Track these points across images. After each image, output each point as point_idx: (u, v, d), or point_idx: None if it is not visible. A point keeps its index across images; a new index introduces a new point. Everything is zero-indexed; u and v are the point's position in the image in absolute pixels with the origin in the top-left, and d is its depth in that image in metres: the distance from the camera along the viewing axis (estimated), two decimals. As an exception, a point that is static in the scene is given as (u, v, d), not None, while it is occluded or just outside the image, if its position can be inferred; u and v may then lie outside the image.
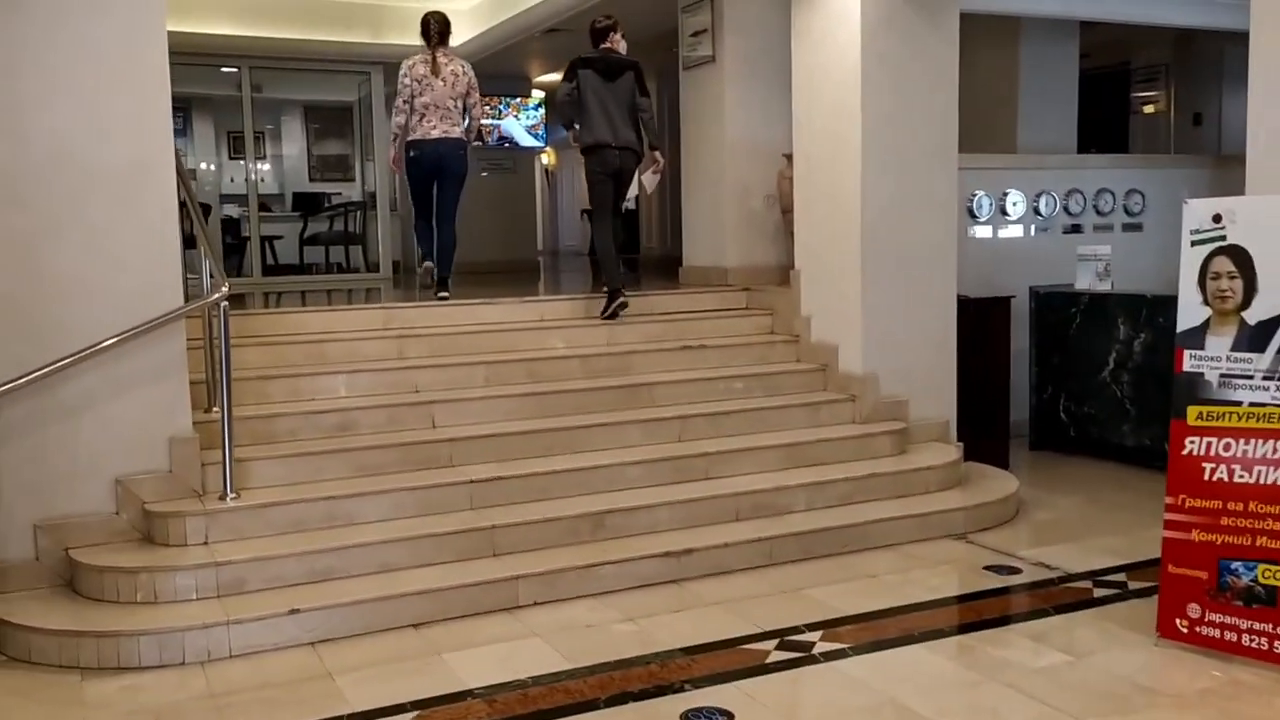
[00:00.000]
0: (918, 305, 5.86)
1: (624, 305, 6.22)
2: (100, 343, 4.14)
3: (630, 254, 15.32)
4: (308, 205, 11.47)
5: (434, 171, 6.60)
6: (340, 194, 12.09)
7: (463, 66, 6.56)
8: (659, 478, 5.03)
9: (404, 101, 6.49)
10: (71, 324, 4.17)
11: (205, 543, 4.21)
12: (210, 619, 3.80)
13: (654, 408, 5.56)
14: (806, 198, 6.14)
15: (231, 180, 12.77)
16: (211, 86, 11.05)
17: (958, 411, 6.04)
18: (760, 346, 6.28)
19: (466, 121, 6.64)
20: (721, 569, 4.57)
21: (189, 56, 9.55)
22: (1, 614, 3.88)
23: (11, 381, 3.99)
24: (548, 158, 24.05)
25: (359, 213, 10.94)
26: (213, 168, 12.32)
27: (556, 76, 11.66)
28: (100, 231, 4.23)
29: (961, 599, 4.42)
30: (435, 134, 6.44)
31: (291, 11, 9.51)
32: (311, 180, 13.36)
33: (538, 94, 12.36)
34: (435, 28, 6.51)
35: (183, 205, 4.43)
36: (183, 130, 12.83)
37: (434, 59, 6.46)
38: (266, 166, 12.57)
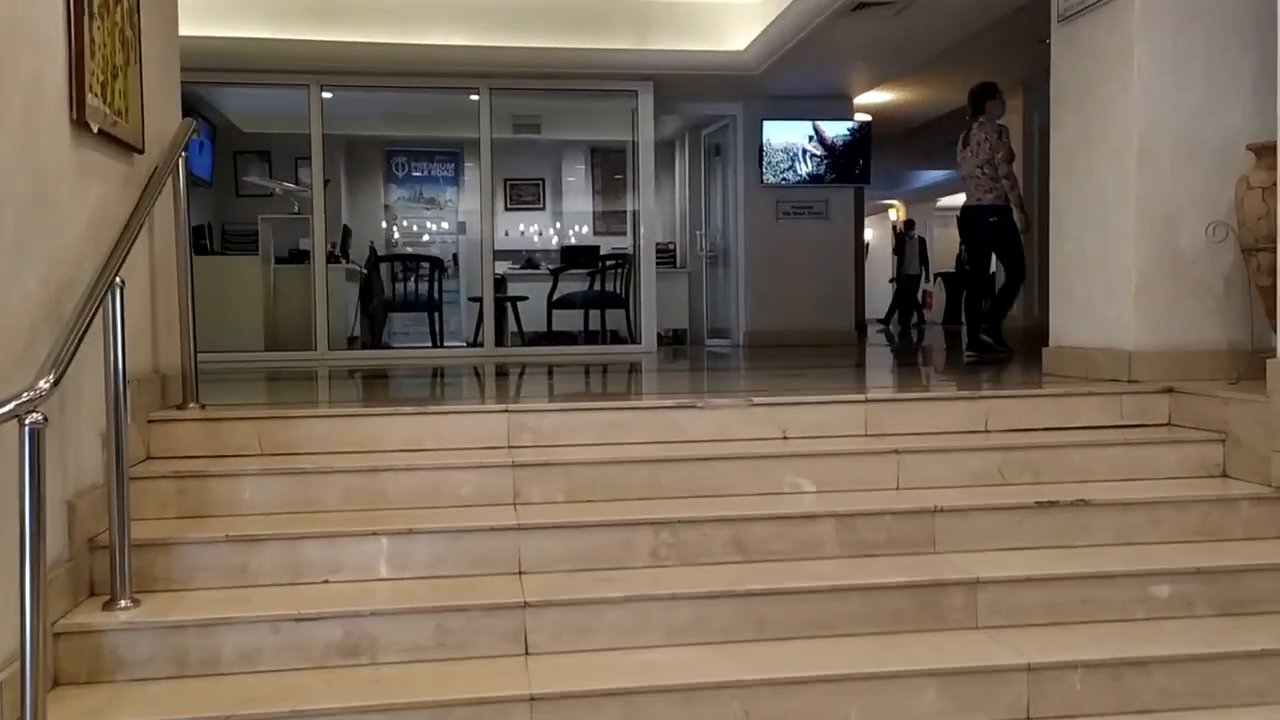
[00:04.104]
0: None
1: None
2: None
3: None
4: (574, 262, 9.46)
5: (965, 237, 6.77)
6: (626, 249, 10.13)
7: (985, 133, 6.29)
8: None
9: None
10: None
11: None
12: None
13: (974, 633, 2.78)
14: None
15: (506, 234, 11.29)
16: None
17: None
18: (1202, 506, 3.24)
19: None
20: None
21: (428, 78, 8.01)
22: None
23: None
24: (895, 211, 21.07)
25: (622, 269, 8.76)
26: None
27: (883, 96, 9.09)
28: None
29: None
30: (969, 202, 6.48)
31: (531, 16, 7.61)
32: (596, 233, 11.60)
33: (861, 118, 9.68)
34: (968, 100, 6.44)
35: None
36: (454, 178, 11.59)
37: (968, 133, 6.39)
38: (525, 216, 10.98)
